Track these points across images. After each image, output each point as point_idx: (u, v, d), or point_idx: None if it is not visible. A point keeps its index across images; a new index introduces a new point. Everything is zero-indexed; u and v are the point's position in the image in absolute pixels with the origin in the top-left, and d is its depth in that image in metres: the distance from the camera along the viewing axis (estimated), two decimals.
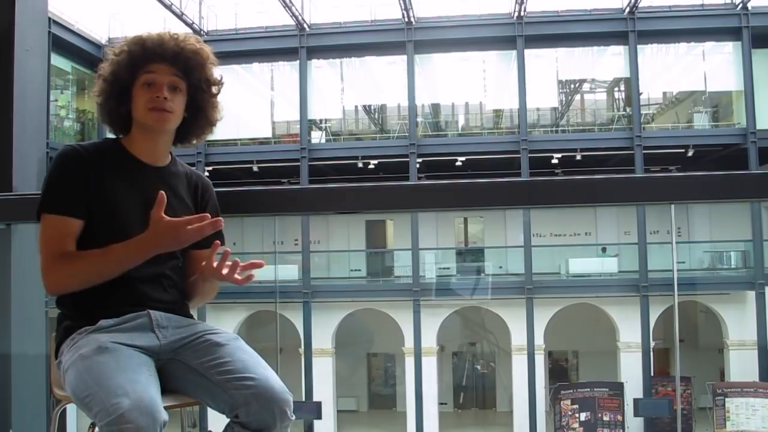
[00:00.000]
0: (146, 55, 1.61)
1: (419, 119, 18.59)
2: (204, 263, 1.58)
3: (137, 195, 1.60)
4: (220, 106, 1.72)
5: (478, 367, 20.32)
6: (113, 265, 1.53)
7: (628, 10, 16.65)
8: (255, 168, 18.36)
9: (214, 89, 1.69)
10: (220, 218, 1.51)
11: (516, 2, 16.65)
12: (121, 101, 1.63)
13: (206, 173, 17.64)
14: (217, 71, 1.69)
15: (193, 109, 1.68)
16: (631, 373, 16.31)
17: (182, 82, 1.63)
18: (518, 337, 16.82)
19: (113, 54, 1.63)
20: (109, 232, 1.56)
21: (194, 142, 1.76)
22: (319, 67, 18.45)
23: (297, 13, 16.92)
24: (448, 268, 19.04)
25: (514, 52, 17.31)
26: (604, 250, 18.39)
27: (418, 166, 17.64)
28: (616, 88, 20.87)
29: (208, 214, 1.53)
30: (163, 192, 1.49)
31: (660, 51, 17.90)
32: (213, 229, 1.50)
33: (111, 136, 1.73)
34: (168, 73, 1.61)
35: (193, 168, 1.79)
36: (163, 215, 1.48)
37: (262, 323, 17.88)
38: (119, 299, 1.59)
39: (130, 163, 1.63)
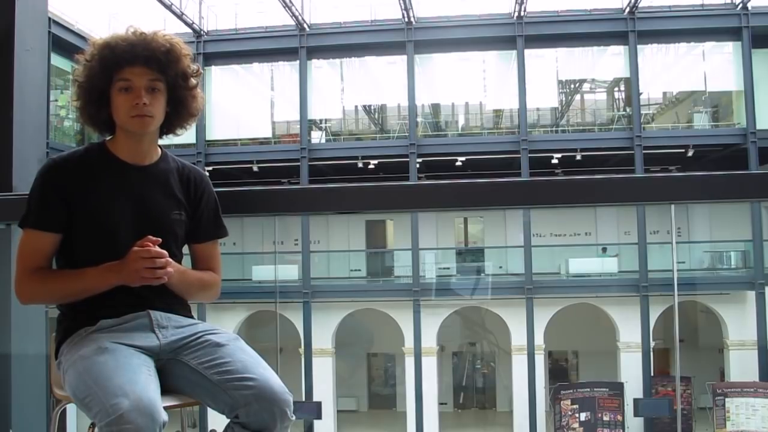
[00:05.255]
0: (118, 60, 1.58)
1: (419, 119, 18.57)
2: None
3: (124, 198, 1.60)
4: (200, 96, 1.70)
5: (478, 367, 20.32)
6: (83, 289, 1.56)
7: (628, 10, 16.64)
8: (255, 168, 18.35)
9: (191, 81, 1.66)
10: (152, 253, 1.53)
11: (516, 2, 16.64)
12: (101, 106, 1.61)
13: (206, 173, 17.59)
14: (192, 62, 1.66)
15: (174, 104, 1.66)
16: (631, 373, 16.30)
17: (159, 82, 1.60)
18: (518, 337, 16.81)
19: (84, 60, 1.60)
20: (99, 238, 1.57)
21: (178, 133, 1.74)
22: (319, 67, 18.44)
23: (297, 13, 16.92)
24: (448, 268, 19.03)
25: (514, 52, 17.30)
26: (604, 250, 18.38)
27: (418, 166, 17.63)
28: (616, 88, 20.85)
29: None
30: (151, 237, 1.53)
31: (660, 51, 17.89)
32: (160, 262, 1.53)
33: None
34: (143, 76, 1.58)
35: (187, 162, 1.77)
36: (140, 248, 1.52)
37: (262, 323, 17.87)
38: (119, 299, 1.59)
39: (114, 166, 1.62)
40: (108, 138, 1.68)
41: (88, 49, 1.62)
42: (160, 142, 1.73)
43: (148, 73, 1.59)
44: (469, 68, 18.34)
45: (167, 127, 1.70)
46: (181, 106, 1.67)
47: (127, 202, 1.59)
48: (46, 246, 1.58)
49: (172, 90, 1.63)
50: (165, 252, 1.54)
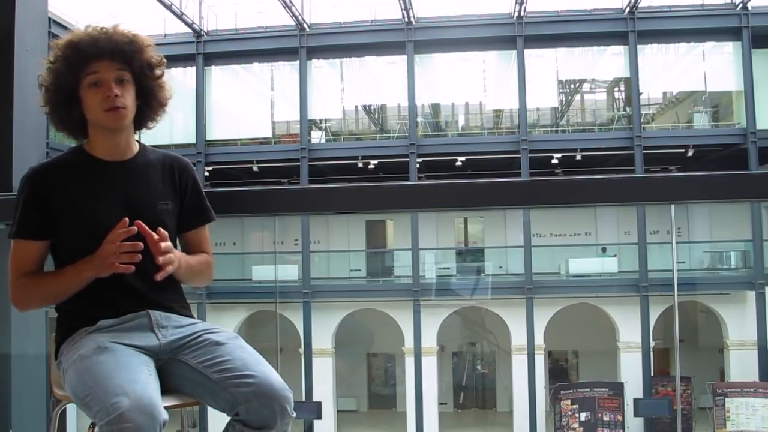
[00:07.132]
0: (84, 57, 1.59)
1: (419, 119, 18.57)
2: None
3: (108, 196, 1.60)
4: (167, 85, 1.72)
5: (478, 367, 20.31)
6: (66, 286, 1.56)
7: (628, 10, 16.64)
8: (255, 168, 18.35)
9: (157, 71, 1.68)
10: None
11: (516, 2, 16.64)
12: (71, 107, 1.62)
13: (206, 173, 17.64)
14: (156, 52, 1.68)
15: (143, 95, 1.67)
16: (631, 373, 16.30)
17: (127, 73, 1.62)
18: (518, 337, 16.81)
19: (49, 62, 1.61)
20: (87, 239, 1.56)
21: (150, 125, 1.74)
22: (319, 67, 18.44)
23: (297, 13, 16.92)
24: (448, 268, 19.03)
25: (514, 52, 17.30)
26: (604, 250, 18.38)
27: (418, 166, 17.63)
28: (616, 88, 20.87)
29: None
30: (126, 219, 1.51)
31: (660, 51, 17.89)
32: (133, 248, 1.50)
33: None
34: (111, 68, 1.60)
35: (168, 152, 1.79)
36: (111, 239, 1.50)
37: (262, 323, 17.87)
38: (119, 299, 1.60)
39: (94, 166, 1.63)
40: (85, 141, 1.68)
41: (50, 51, 1.63)
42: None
43: (114, 66, 1.60)
44: (469, 68, 18.35)
45: (139, 121, 1.70)
46: (150, 96, 1.68)
47: (112, 200, 1.60)
48: (34, 253, 1.59)
49: (139, 81, 1.65)
50: (163, 236, 1.54)
